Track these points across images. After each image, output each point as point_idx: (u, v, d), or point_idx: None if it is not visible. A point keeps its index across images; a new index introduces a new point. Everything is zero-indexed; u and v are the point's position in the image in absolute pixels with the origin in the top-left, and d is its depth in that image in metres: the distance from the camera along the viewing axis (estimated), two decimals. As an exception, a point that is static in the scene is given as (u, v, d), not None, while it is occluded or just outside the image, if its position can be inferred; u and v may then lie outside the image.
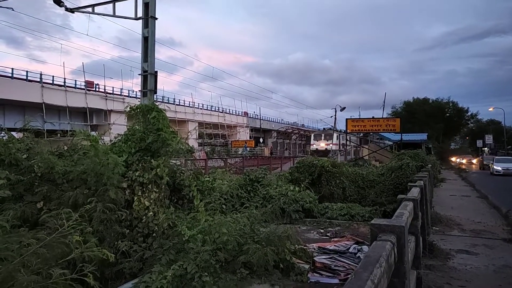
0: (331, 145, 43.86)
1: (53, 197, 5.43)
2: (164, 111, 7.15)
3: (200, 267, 4.66)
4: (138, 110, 7.20)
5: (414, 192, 4.69)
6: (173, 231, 5.52)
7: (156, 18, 11.75)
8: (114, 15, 13.23)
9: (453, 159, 61.44)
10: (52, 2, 13.73)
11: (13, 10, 16.23)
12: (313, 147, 46.72)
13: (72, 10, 14.00)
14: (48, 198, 5.37)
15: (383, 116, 47.99)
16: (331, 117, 62.42)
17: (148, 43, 11.52)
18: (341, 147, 43.31)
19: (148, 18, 11.57)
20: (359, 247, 6.14)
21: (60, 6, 13.73)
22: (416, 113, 65.93)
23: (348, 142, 51.36)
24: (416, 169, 11.09)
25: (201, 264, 4.69)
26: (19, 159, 5.76)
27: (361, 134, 45.82)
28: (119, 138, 6.85)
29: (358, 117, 37.22)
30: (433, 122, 63.27)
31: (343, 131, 49.62)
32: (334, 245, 6.41)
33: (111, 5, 13.26)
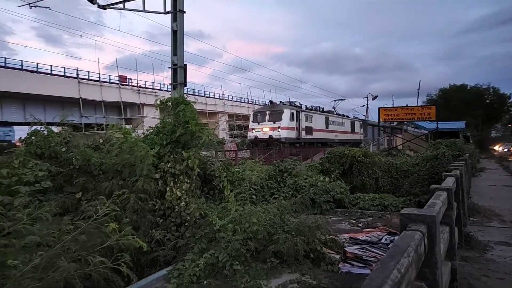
0: (279, 130, 26.26)
1: (90, 188, 5.68)
2: (192, 104, 7.26)
3: (231, 256, 4.74)
4: (168, 103, 7.36)
5: (449, 182, 4.52)
6: (204, 221, 5.63)
7: (184, 12, 11.89)
8: (144, 10, 13.50)
9: (497, 147, 58.01)
10: (86, 0, 14.17)
11: (50, 9, 16.92)
12: (251, 133, 28.19)
13: (104, 7, 14.41)
14: (85, 189, 5.62)
15: (418, 104, 45.78)
16: (363, 106, 60.69)
17: (177, 36, 11.70)
18: (301, 133, 28.19)
19: (177, 12, 11.73)
20: (392, 238, 6.02)
21: (93, 3, 14.17)
22: (453, 101, 63.23)
23: (362, 130, 41.78)
24: (453, 159, 10.68)
25: (232, 253, 4.77)
26: (59, 152, 6.04)
27: (394, 123, 42.18)
28: (151, 130, 7.04)
29: (391, 106, 35.74)
30: (471, 110, 60.52)
31: (299, 106, 30.75)
32: (366, 236, 6.32)
33: (141, 0, 13.55)
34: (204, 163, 7.18)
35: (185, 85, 12.00)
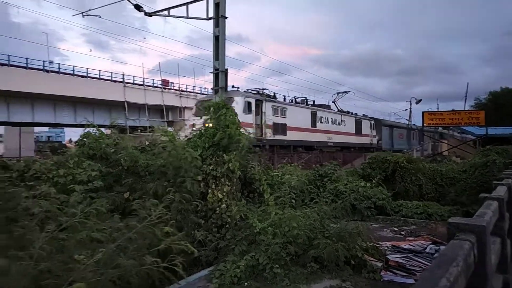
0: None
1: (137, 188, 5.95)
2: (233, 108, 7.43)
3: (271, 259, 4.79)
4: (210, 107, 7.58)
5: (500, 191, 4.29)
6: (245, 223, 5.72)
7: (226, 17, 12.15)
8: (187, 17, 13.94)
9: None
10: (132, 7, 14.86)
11: (100, 17, 17.88)
12: (191, 131, 14.09)
13: (150, 14, 15.03)
14: (133, 189, 5.89)
15: (465, 109, 42.83)
16: (405, 110, 58.51)
17: (219, 42, 11.97)
18: (265, 132, 20.36)
19: (219, 18, 12.01)
20: (437, 248, 5.80)
21: (140, 11, 14.83)
22: (505, 104, 59.54)
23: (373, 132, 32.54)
24: (504, 167, 10.10)
25: (272, 256, 4.82)
26: (108, 153, 6.39)
27: (440, 128, 37.97)
28: (194, 134, 7.27)
29: (436, 110, 34.01)
30: (525, 114, 56.65)
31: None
32: (409, 244, 6.14)
33: (184, 7, 14.00)
34: (245, 166, 7.29)
35: (226, 89, 12.26)
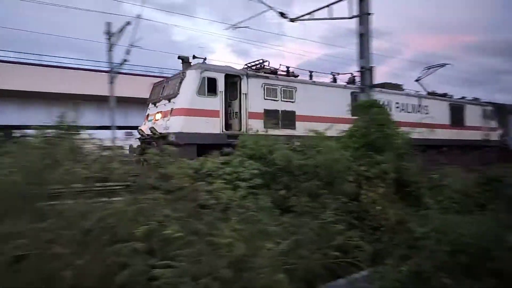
0: (170, 117, 11.41)
1: (291, 186, 6.28)
2: (385, 107, 7.14)
3: (437, 267, 4.42)
4: (360, 106, 7.45)
5: None
6: (402, 227, 5.43)
7: (370, 14, 11.73)
8: (330, 18, 13.95)
9: None
10: (271, 15, 15.64)
11: (249, 28, 19.40)
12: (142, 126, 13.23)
13: (293, 20, 15.58)
14: (288, 187, 6.24)
15: None
16: None
17: (363, 39, 11.64)
18: (244, 124, 12.27)
19: (363, 15, 11.67)
20: None
21: (284, 18, 15.53)
22: None
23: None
24: None
25: (438, 264, 4.44)
26: (265, 153, 6.92)
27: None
28: (344, 133, 7.26)
29: None
30: None
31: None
32: None
33: (325, 9, 14.04)
34: (399, 167, 6.92)
35: (371, 87, 11.82)
